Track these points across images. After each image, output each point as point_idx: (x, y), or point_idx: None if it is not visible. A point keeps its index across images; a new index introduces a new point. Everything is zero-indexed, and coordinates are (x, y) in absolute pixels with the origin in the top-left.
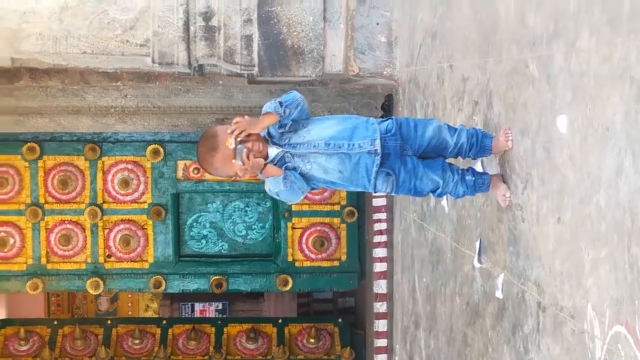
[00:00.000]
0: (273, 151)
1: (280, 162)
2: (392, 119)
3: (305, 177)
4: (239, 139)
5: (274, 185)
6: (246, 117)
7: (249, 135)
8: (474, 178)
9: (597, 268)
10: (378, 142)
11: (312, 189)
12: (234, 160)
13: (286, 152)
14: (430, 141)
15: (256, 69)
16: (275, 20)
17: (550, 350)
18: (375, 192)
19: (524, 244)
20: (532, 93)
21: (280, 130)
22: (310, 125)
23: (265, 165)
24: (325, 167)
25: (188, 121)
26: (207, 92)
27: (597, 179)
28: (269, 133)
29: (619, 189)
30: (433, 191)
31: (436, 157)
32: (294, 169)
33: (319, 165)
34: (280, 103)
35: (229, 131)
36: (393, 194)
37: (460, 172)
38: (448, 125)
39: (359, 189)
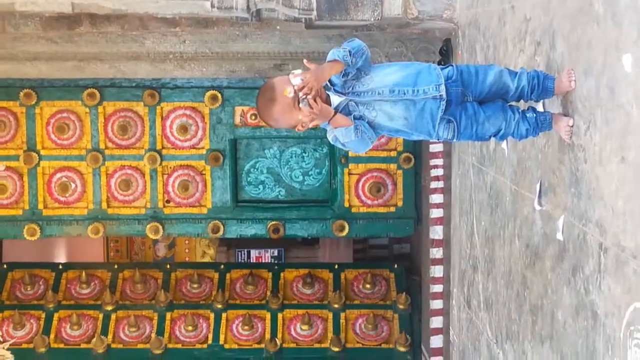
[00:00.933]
0: (336, 99)
1: (344, 110)
2: (452, 65)
3: (371, 126)
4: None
5: (344, 135)
6: (312, 67)
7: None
8: (535, 115)
9: None
10: (443, 87)
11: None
12: (301, 105)
13: (350, 100)
14: (491, 87)
15: (314, 12)
16: None
17: (612, 290)
18: (438, 139)
19: (586, 184)
20: (596, 32)
21: (344, 79)
22: (373, 73)
23: (334, 114)
24: (390, 114)
25: (246, 67)
26: (264, 38)
27: None
28: (330, 81)
29: None
30: (495, 134)
31: (496, 100)
32: (360, 117)
33: (384, 112)
34: (350, 52)
35: (297, 89)
36: (455, 140)
37: (520, 111)
38: (509, 70)
39: (422, 137)
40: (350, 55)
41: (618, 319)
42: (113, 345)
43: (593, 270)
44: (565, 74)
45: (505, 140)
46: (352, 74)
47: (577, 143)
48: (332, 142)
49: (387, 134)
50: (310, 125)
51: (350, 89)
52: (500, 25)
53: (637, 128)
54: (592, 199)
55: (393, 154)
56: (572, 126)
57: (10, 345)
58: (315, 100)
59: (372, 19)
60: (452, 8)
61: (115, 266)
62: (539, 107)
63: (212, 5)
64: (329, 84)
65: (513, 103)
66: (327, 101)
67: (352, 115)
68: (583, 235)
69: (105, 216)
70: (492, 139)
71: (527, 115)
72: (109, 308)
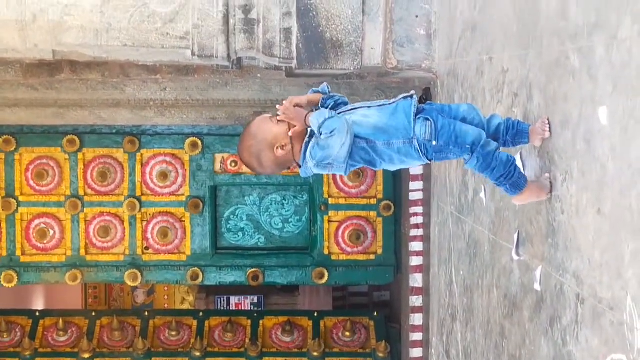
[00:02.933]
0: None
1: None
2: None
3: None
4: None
5: (318, 117)
6: (290, 98)
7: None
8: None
9: (638, 259)
10: (414, 94)
11: (352, 166)
12: (277, 118)
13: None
14: (465, 115)
15: (295, 61)
16: (314, 13)
17: (589, 341)
18: (415, 135)
19: (563, 235)
20: (572, 85)
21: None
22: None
23: (307, 114)
24: (365, 114)
25: (226, 114)
26: (245, 85)
27: (638, 170)
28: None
29: None
30: (475, 144)
31: None
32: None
33: (359, 114)
34: (327, 84)
35: (278, 118)
36: (434, 142)
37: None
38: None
39: (400, 139)
40: (327, 87)
41: None
42: None
43: (570, 321)
44: (540, 122)
45: (482, 191)
46: (331, 105)
47: (554, 194)
48: (313, 169)
49: (364, 139)
50: (291, 134)
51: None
52: (478, 76)
53: (613, 180)
54: (569, 250)
55: (373, 201)
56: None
57: None
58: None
59: (352, 68)
60: (431, 58)
61: (93, 313)
62: (517, 158)
63: (193, 54)
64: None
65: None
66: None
67: None
68: (560, 286)
69: (84, 263)
70: (471, 166)
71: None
72: (86, 356)
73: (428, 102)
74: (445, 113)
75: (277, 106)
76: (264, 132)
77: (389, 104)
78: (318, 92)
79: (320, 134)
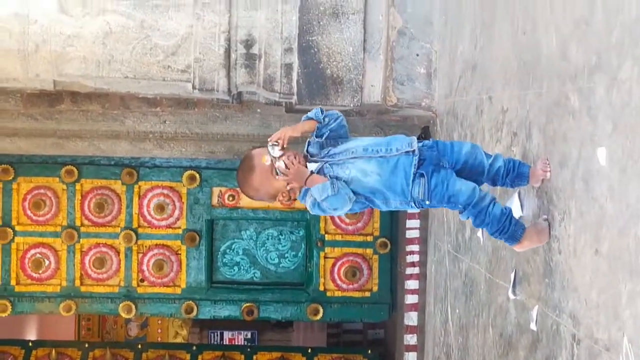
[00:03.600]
0: (312, 166)
1: (319, 173)
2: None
3: (347, 184)
4: (279, 149)
5: (320, 192)
6: (284, 131)
7: (287, 150)
8: (507, 212)
9: (634, 300)
10: (415, 143)
11: (351, 211)
12: (277, 177)
13: (325, 162)
14: (467, 158)
15: (295, 97)
16: (315, 49)
17: None
18: (413, 201)
19: (560, 275)
20: (572, 125)
21: (317, 140)
22: (349, 141)
23: (310, 174)
24: (364, 170)
25: (225, 148)
26: (244, 120)
27: (636, 211)
28: (308, 151)
29: None
30: (467, 204)
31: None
32: (336, 177)
33: (357, 168)
34: (321, 109)
35: (270, 140)
36: (428, 201)
37: (494, 198)
38: (484, 151)
39: (397, 200)
40: (321, 112)
41: None
42: None
43: None
44: (540, 163)
45: (480, 230)
46: (327, 135)
47: (551, 234)
48: (311, 210)
49: (363, 195)
50: (291, 196)
51: (327, 152)
52: (477, 115)
53: (611, 221)
54: (565, 290)
55: (369, 238)
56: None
57: None
58: (291, 162)
59: (351, 105)
60: (430, 97)
61: (86, 345)
62: (515, 199)
63: (194, 87)
64: (307, 155)
65: (487, 187)
66: (305, 165)
67: (327, 176)
68: (557, 326)
69: (78, 294)
70: (464, 219)
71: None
72: None
73: (431, 139)
74: (447, 156)
75: (270, 141)
76: (266, 187)
77: (388, 154)
78: (311, 119)
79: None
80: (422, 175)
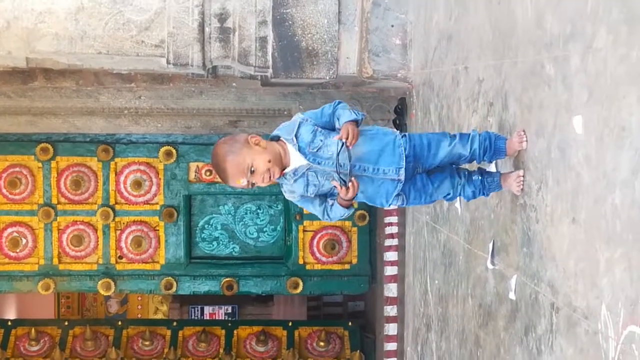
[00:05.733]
0: (297, 159)
1: (302, 178)
2: (405, 136)
3: (332, 194)
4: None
5: (341, 213)
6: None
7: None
8: (481, 178)
9: (612, 268)
10: (403, 171)
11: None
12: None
13: (310, 167)
14: (442, 160)
15: (270, 70)
16: (290, 22)
17: (564, 350)
18: (391, 204)
19: (538, 244)
20: (548, 94)
21: (313, 132)
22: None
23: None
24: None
25: (201, 123)
26: (220, 94)
27: (613, 179)
28: (297, 136)
29: (635, 189)
30: (444, 197)
31: (445, 168)
32: (326, 195)
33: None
34: (356, 111)
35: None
36: (405, 206)
37: (466, 174)
38: (460, 135)
39: (370, 204)
40: (357, 114)
41: None
42: None
43: (545, 330)
44: (516, 135)
45: (457, 200)
46: (323, 130)
47: (529, 203)
48: (320, 215)
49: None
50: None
51: (315, 149)
52: (454, 86)
53: (587, 189)
54: (543, 259)
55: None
56: (522, 176)
57: None
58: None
59: (327, 77)
60: (406, 68)
61: (66, 323)
62: (492, 167)
63: (168, 62)
64: (294, 138)
65: (465, 165)
66: (285, 153)
67: (314, 193)
68: (535, 295)
69: (57, 272)
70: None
71: (474, 177)
72: None
73: (409, 137)
74: (423, 159)
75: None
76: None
77: (375, 175)
78: (354, 120)
79: None
80: (399, 194)
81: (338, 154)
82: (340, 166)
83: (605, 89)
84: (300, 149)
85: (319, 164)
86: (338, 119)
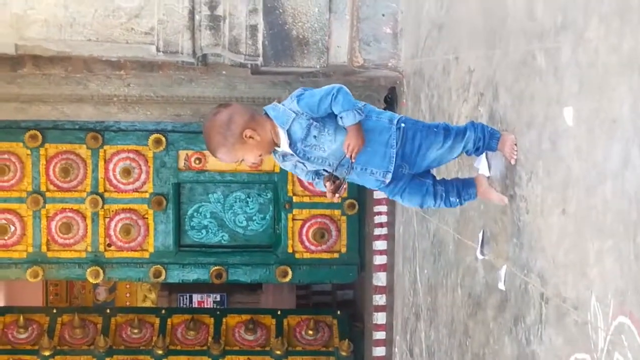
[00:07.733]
0: (287, 147)
1: (289, 161)
2: (399, 129)
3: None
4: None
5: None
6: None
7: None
8: (458, 199)
9: (602, 259)
10: (390, 175)
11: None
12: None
13: (298, 162)
14: (430, 164)
15: (260, 59)
16: (280, 10)
17: (553, 341)
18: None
19: (528, 235)
20: (538, 85)
21: (311, 122)
22: (336, 133)
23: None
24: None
25: (191, 111)
26: (210, 83)
27: (603, 170)
28: (292, 130)
29: (625, 180)
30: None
31: (426, 176)
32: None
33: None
34: (359, 110)
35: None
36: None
37: (443, 195)
38: (456, 131)
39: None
40: (361, 113)
41: None
42: None
43: (534, 321)
44: (509, 146)
45: None
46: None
47: (519, 194)
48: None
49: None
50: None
51: (307, 147)
52: (444, 75)
53: (577, 181)
54: (533, 250)
55: (337, 200)
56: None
57: None
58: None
59: (318, 66)
60: (397, 57)
61: (54, 310)
62: (482, 160)
63: (158, 49)
64: (286, 133)
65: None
66: (277, 136)
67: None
68: (525, 285)
69: (45, 260)
70: None
71: (451, 199)
72: (47, 353)
73: (401, 144)
74: (411, 161)
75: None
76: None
77: (362, 173)
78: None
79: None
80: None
81: (340, 162)
82: (335, 170)
83: (596, 80)
84: (291, 145)
85: (308, 159)
86: (341, 118)
